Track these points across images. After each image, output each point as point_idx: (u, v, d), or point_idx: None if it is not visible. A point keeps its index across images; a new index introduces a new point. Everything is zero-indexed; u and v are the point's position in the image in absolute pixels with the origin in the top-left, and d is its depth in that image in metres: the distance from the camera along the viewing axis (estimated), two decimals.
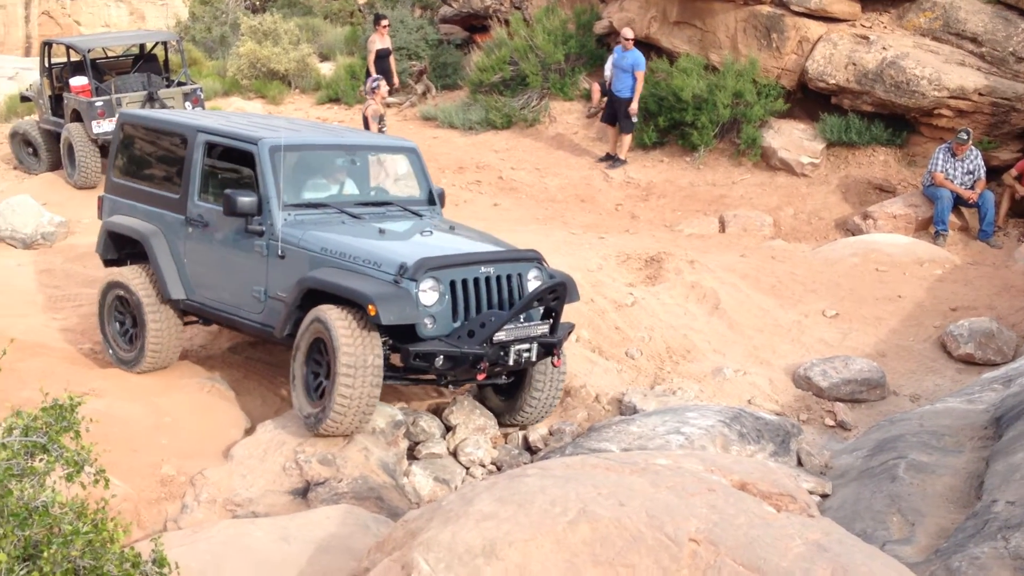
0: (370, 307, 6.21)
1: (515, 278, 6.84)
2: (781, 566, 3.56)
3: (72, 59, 14.46)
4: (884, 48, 12.82)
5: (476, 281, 6.65)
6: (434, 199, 7.93)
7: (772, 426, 6.99)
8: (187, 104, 13.91)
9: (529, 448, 7.33)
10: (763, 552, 3.62)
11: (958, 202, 11.86)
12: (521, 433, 7.44)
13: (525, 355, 6.69)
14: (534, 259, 7.04)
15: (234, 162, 7.57)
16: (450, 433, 7.21)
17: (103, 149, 13.50)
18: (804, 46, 13.44)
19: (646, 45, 15.09)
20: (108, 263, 8.37)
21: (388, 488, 6.36)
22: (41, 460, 3.24)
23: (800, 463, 6.87)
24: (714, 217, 12.65)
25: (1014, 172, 12.05)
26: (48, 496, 3.06)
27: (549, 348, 6.83)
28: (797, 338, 9.18)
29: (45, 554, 2.86)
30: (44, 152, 14.57)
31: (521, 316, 6.63)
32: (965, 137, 11.71)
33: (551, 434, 7.43)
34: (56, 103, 14.36)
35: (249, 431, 7.17)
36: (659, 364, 8.53)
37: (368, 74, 15.39)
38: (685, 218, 12.78)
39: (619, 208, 13.30)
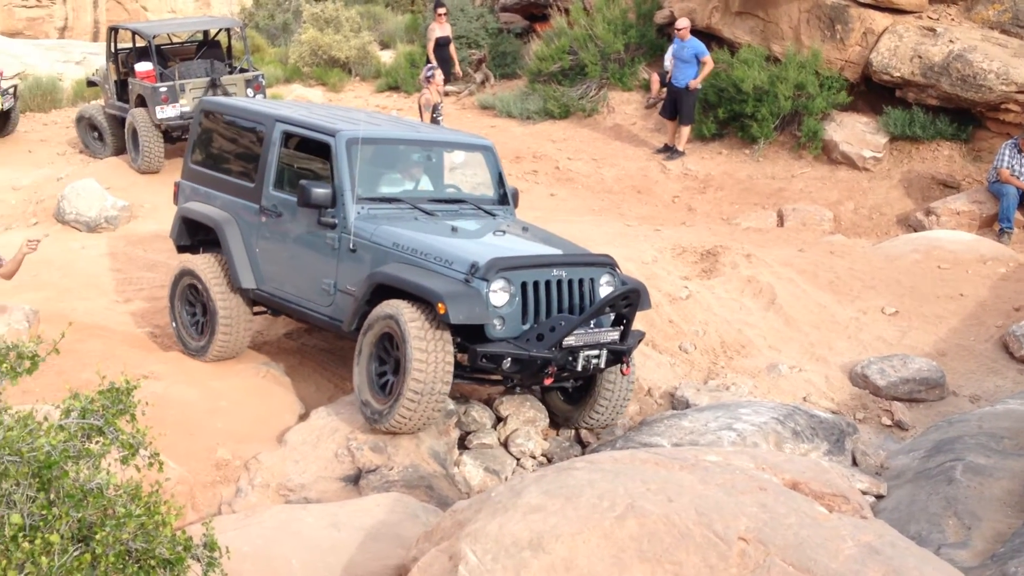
0: (440, 305, 6.13)
1: (587, 282, 6.72)
2: (831, 568, 3.52)
3: (138, 45, 14.67)
4: (951, 41, 12.57)
5: (547, 284, 6.54)
6: (508, 199, 7.87)
7: (827, 424, 6.90)
8: (249, 91, 14.06)
9: (580, 441, 7.31)
10: (813, 553, 3.58)
11: None
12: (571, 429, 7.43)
13: (594, 361, 6.58)
14: (607, 264, 6.93)
15: (311, 153, 7.58)
16: (501, 424, 7.21)
17: (166, 134, 13.73)
18: (869, 38, 13.21)
19: (707, 35, 14.93)
20: (181, 249, 8.43)
21: (438, 477, 6.40)
22: (97, 442, 3.31)
23: (855, 463, 6.78)
24: (772, 211, 12.50)
25: None
26: (103, 478, 3.11)
27: (619, 355, 6.72)
28: (855, 335, 9.05)
29: (98, 536, 2.92)
30: (109, 136, 14.81)
31: (591, 322, 6.53)
32: None
33: (602, 427, 7.41)
34: (121, 88, 14.60)
35: (303, 417, 7.25)
36: (713, 359, 8.46)
37: (428, 62, 15.44)
38: (743, 211, 12.65)
39: (676, 200, 13.20)
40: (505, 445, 7.07)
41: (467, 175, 8.14)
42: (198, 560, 3.24)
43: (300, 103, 9.06)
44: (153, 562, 2.99)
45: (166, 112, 13.44)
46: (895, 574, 3.52)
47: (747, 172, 13.47)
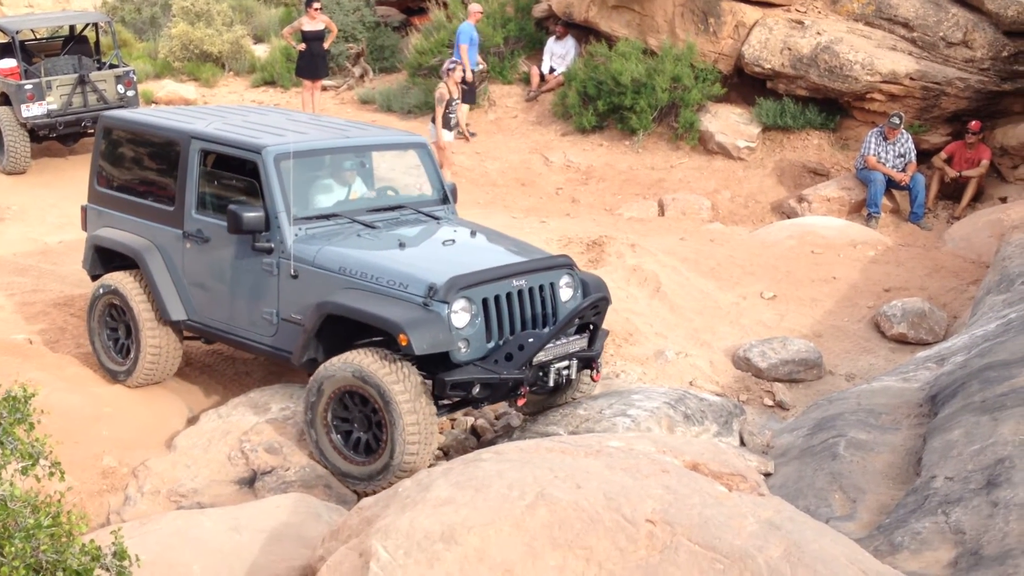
0: (401, 336, 5.67)
1: (547, 288, 6.35)
2: (735, 544, 3.63)
3: None
4: (818, 33, 13.02)
5: (508, 296, 6.15)
6: (448, 197, 7.38)
7: (715, 407, 7.09)
8: (120, 87, 13.64)
9: (475, 432, 7.34)
10: (717, 531, 3.69)
11: (890, 185, 12.11)
12: (467, 418, 7.44)
13: (565, 373, 6.27)
14: (566, 265, 6.58)
15: (235, 172, 6.90)
16: None
17: (33, 133, 13.22)
18: (740, 31, 13.58)
19: (585, 29, 15.15)
20: (95, 277, 7.72)
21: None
22: None
23: (743, 443, 6.99)
24: (653, 201, 12.77)
25: (943, 155, 12.35)
26: (6, 490, 2.99)
27: (587, 361, 6.47)
28: (736, 320, 9.32)
29: (7, 549, 2.80)
30: None
31: None
32: (897, 121, 11.95)
33: (496, 419, 7.44)
34: None
35: (192, 421, 7.08)
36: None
37: (299, 54, 15.05)
38: (625, 202, 12.88)
39: (559, 192, 13.35)
40: None
41: (404, 174, 7.68)
42: (107, 570, 3.15)
43: (213, 109, 8.26)
44: (62, 574, 2.90)
45: (32, 110, 12.95)
46: (795, 547, 3.66)
47: (628, 163, 13.71)
